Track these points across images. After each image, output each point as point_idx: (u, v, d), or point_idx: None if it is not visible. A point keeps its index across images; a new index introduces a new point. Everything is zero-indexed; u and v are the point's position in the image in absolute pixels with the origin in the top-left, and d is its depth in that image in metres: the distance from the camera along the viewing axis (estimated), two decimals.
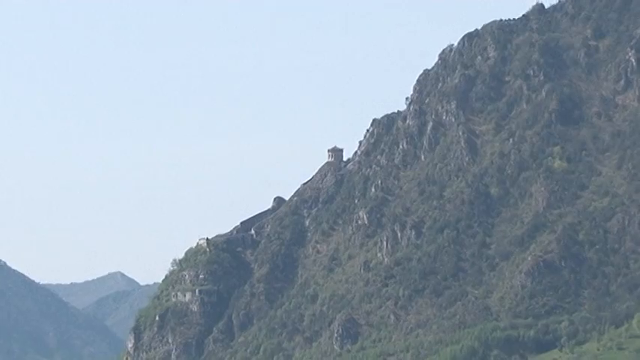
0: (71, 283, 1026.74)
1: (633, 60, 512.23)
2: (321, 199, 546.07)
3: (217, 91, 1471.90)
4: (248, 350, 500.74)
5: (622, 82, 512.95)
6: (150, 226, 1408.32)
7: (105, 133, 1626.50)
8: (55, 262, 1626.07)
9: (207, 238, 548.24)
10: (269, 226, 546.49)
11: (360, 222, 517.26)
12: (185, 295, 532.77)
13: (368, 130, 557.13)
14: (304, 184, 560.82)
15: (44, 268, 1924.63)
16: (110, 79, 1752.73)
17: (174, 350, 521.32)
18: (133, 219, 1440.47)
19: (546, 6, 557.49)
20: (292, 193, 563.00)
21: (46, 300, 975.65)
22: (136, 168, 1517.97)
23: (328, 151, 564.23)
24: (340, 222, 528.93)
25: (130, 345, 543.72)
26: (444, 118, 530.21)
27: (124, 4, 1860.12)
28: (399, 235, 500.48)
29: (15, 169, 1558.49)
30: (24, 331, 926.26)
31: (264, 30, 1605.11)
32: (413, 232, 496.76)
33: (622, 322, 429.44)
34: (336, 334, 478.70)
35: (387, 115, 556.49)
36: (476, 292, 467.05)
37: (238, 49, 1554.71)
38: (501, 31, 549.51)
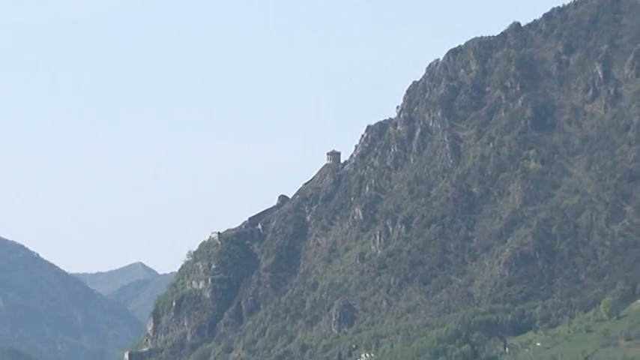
0: (97, 273, 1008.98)
1: (600, 73, 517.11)
2: (320, 197, 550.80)
3: (230, 101, 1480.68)
4: (255, 333, 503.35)
5: (590, 93, 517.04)
6: (168, 222, 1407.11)
7: (130, 137, 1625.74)
8: (83, 254, 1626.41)
9: (218, 232, 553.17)
10: (274, 222, 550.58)
11: (355, 217, 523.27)
12: (199, 283, 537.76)
13: (363, 136, 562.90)
14: (305, 183, 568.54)
15: (73, 259, 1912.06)
16: (135, 85, 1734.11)
17: (189, 332, 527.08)
18: (153, 215, 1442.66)
19: (522, 24, 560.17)
20: (295, 192, 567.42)
21: (75, 288, 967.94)
22: (156, 171, 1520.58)
23: (327, 154, 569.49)
24: (338, 217, 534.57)
25: (149, 328, 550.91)
26: (431, 124, 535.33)
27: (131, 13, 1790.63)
28: (390, 229, 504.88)
29: (48, 170, 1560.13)
30: (55, 315, 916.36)
31: (272, 45, 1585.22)
32: (403, 227, 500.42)
33: (590, 307, 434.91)
34: (334, 318, 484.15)
35: (379, 122, 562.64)
36: (459, 280, 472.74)
37: (249, 62, 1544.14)
38: (482, 46, 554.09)
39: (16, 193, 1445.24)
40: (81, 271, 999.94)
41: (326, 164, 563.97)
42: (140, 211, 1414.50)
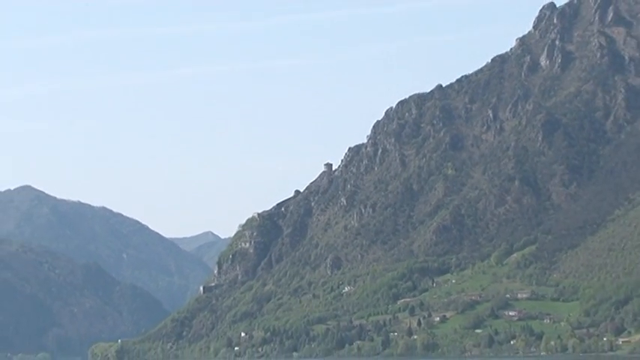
0: (183, 237, 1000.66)
1: (491, 115, 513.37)
2: (320, 191, 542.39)
3: (263, 119, 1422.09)
4: (280, 274, 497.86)
5: (485, 127, 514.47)
6: (228, 205, 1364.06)
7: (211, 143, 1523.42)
8: (177, 224, 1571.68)
9: (257, 213, 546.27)
10: (292, 206, 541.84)
11: (341, 204, 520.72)
12: (245, 244, 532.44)
13: (346, 153, 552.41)
14: (311, 182, 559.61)
15: (170, 228, 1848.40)
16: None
17: (239, 274, 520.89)
18: (219, 202, 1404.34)
19: (443, 85, 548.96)
20: (304, 188, 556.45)
21: (170, 246, 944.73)
22: (224, 174, 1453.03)
23: (324, 164, 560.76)
24: (331, 204, 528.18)
25: (215, 271, 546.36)
26: (388, 146, 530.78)
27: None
28: (362, 211, 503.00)
29: (157, 168, 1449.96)
30: (158, 264, 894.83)
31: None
32: (370, 209, 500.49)
33: (485, 259, 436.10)
34: (328, 265, 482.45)
35: (356, 145, 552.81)
36: (405, 242, 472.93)
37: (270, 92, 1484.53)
38: (419, 99, 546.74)
39: (136, 181, 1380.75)
40: (174, 236, 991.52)
41: (324, 171, 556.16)
42: (213, 197, 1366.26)
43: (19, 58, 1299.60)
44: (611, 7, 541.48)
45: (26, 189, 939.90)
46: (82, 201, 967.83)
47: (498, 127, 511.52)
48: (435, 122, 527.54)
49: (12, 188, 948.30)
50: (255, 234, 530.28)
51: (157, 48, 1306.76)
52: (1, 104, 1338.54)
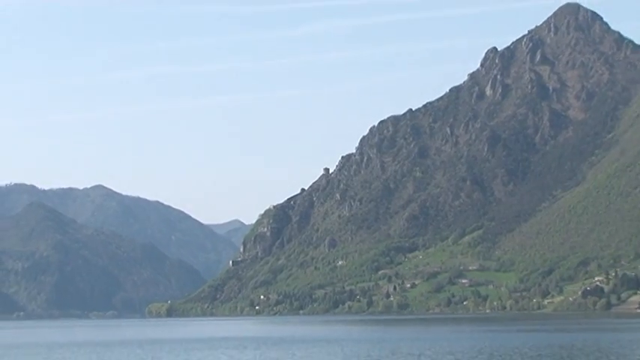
0: (216, 224, 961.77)
1: (449, 132, 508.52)
2: (320, 189, 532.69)
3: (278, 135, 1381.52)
4: (290, 251, 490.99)
5: (445, 140, 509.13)
6: (250, 200, 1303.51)
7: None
8: (211, 213, 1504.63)
9: (273, 205, 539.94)
10: (298, 200, 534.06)
11: (336, 198, 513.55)
12: (264, 229, 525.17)
13: (339, 160, 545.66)
14: (313, 182, 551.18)
15: (206, 215, 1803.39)
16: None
17: (259, 251, 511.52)
18: (244, 197, 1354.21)
19: (413, 109, 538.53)
20: (308, 186, 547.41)
21: (206, 231, 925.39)
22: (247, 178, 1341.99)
23: (323, 169, 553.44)
24: (328, 199, 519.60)
25: (241, 249, 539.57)
26: (371, 155, 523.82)
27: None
28: (352, 204, 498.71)
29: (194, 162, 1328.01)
30: (197, 245, 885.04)
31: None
32: (358, 203, 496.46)
33: (444, 240, 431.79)
34: (326, 245, 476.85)
35: (348, 154, 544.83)
36: (384, 227, 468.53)
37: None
38: (394, 119, 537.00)
39: (182, 181, 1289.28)
40: (210, 223, 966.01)
41: (322, 174, 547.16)
42: (240, 194, 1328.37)
43: (101, 85, 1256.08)
44: (539, 51, 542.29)
45: (99, 187, 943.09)
46: (141, 196, 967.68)
47: (454, 140, 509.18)
48: (406, 137, 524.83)
49: (88, 187, 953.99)
50: (271, 221, 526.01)
51: (198, 80, 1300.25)
52: (82, 123, 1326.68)
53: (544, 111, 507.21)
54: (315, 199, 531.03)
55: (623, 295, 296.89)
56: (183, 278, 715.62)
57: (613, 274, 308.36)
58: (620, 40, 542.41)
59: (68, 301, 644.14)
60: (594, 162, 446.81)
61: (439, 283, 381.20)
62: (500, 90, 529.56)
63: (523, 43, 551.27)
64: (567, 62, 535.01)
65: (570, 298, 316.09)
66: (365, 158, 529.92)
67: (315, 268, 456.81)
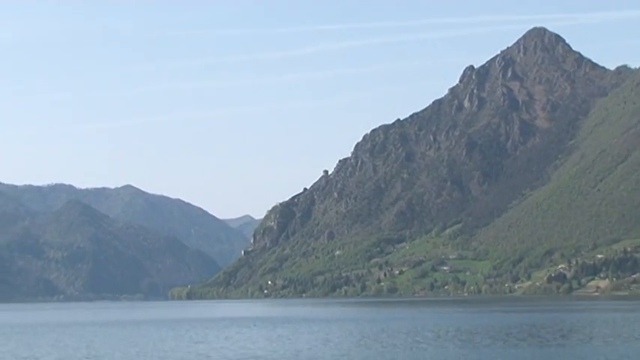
0: (229, 219, 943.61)
1: (432, 139, 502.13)
2: (320, 188, 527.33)
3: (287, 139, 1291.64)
4: (294, 242, 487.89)
5: (428, 147, 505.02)
6: (259, 198, 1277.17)
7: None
8: (225, 208, 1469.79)
9: (279, 202, 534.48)
10: (302, 198, 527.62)
11: (334, 197, 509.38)
12: (272, 223, 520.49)
13: (337, 164, 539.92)
14: (314, 182, 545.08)
15: (221, 211, 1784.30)
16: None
17: (267, 242, 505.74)
18: (255, 195, 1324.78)
19: (401, 118, 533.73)
20: (310, 186, 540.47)
21: (220, 225, 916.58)
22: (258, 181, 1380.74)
23: (323, 170, 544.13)
24: (327, 196, 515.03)
25: (252, 241, 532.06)
26: (365, 160, 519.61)
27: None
28: (348, 201, 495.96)
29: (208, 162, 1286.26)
30: (213, 237, 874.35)
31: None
32: (353, 200, 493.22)
33: (429, 232, 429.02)
34: (325, 237, 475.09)
35: (344, 157, 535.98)
36: (376, 221, 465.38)
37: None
38: (384, 128, 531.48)
39: (201, 181, 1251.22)
40: (225, 218, 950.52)
41: (322, 175, 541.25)
42: (250, 192, 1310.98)
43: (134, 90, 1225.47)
44: (510, 68, 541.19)
45: (128, 187, 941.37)
46: (164, 195, 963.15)
47: (437, 146, 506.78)
48: (395, 143, 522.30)
49: (119, 186, 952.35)
50: (277, 216, 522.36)
51: (218, 93, 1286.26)
52: (120, 132, 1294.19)
53: (514, 121, 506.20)
54: (315, 197, 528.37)
55: (583, 281, 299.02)
56: (201, 266, 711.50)
57: (574, 262, 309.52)
58: (581, 59, 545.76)
59: (101, 286, 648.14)
60: (558, 165, 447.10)
61: (423, 270, 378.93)
62: (476, 102, 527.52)
63: (496, 61, 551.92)
64: (535, 78, 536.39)
65: (537, 283, 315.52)
66: (359, 161, 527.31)
67: (316, 257, 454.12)
